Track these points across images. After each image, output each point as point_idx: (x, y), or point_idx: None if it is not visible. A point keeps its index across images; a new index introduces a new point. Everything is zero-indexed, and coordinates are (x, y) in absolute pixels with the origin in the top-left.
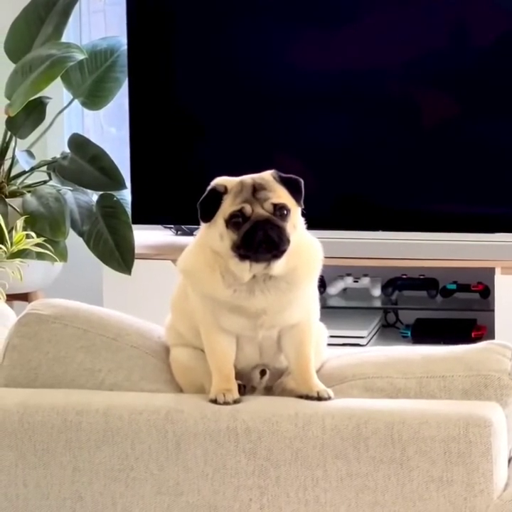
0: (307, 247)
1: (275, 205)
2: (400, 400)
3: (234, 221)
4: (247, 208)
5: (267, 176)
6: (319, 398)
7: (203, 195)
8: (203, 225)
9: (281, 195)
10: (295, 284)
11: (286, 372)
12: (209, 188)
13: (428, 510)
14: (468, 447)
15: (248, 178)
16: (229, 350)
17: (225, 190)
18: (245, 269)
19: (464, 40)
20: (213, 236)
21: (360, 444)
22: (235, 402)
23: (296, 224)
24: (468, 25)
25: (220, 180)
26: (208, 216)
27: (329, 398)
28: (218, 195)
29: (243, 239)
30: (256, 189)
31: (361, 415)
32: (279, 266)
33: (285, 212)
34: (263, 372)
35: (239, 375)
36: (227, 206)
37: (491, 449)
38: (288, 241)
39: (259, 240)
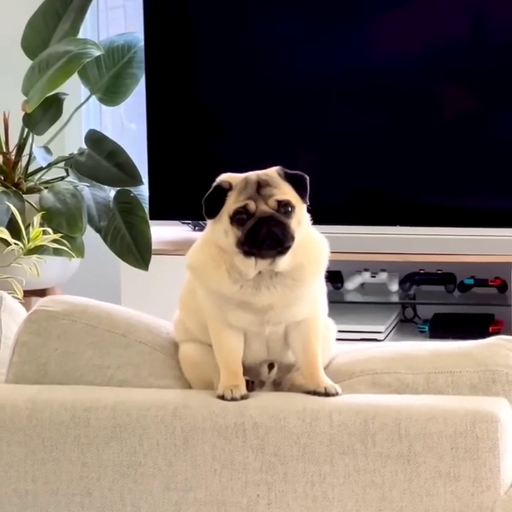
0: (313, 244)
1: (279, 202)
2: (408, 396)
3: (238, 218)
4: (251, 205)
5: (272, 172)
6: (327, 394)
7: (208, 192)
8: (209, 222)
9: (285, 192)
10: (301, 281)
11: (295, 367)
12: (214, 184)
13: (435, 506)
14: (475, 443)
15: (253, 174)
16: (237, 347)
17: (230, 187)
18: (250, 266)
19: (484, 34)
20: (218, 232)
21: (367, 440)
22: (243, 398)
23: (301, 220)
24: (487, 18)
25: (224, 177)
26: (213, 213)
27: (337, 394)
28: (223, 191)
29: (247, 236)
30: (260, 185)
31: (368, 411)
32: (284, 262)
33: (289, 208)
34: (271, 366)
35: (247, 370)
36: (232, 203)
37: (498, 444)
38: (292, 238)
39: (263, 237)
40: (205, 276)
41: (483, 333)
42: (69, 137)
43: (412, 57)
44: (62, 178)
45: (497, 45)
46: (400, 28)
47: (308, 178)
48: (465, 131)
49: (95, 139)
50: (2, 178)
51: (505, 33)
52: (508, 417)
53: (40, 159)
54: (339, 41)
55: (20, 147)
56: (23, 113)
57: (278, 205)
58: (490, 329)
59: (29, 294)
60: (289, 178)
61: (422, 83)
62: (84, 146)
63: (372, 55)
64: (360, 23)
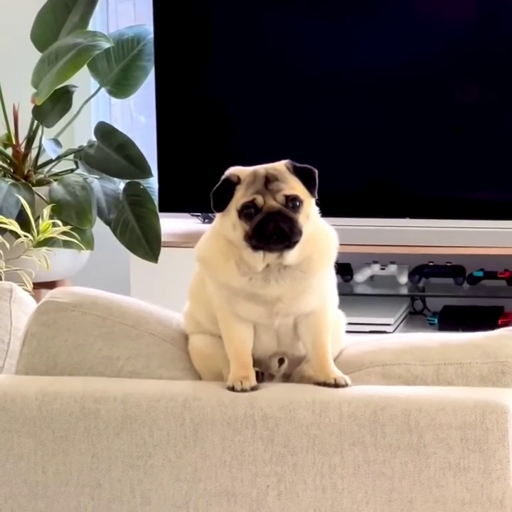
0: (322, 236)
1: (287, 197)
2: (417, 387)
3: (246, 212)
4: (259, 199)
5: (281, 166)
6: (336, 385)
7: (216, 185)
8: (217, 214)
9: (294, 186)
10: (309, 273)
11: (305, 359)
12: (222, 177)
13: (445, 497)
14: (484, 434)
15: (261, 168)
16: (246, 338)
17: (238, 181)
18: (258, 259)
19: (495, 27)
20: (227, 225)
21: (377, 431)
22: (253, 389)
23: (309, 214)
24: (496, 11)
25: (233, 170)
26: (221, 206)
27: (346, 385)
28: (231, 185)
29: (255, 230)
30: (269, 180)
31: (378, 402)
32: (292, 256)
33: (297, 203)
34: (281, 361)
35: (257, 362)
36: (240, 197)
37: (508, 435)
38: (300, 232)
39: (271, 232)
40: (215, 269)
41: (492, 326)
42: (78, 129)
43: (422, 50)
44: (72, 170)
45: (508, 37)
46: (409, 21)
47: (317, 171)
48: (475, 124)
49: (105, 132)
50: (12, 170)
51: None
52: None
53: (50, 151)
54: (349, 35)
55: (30, 139)
56: (32, 105)
57: (286, 200)
58: (499, 321)
59: (39, 286)
60: (297, 172)
61: (433, 75)
62: (94, 139)
63: (383, 47)
64: (369, 17)
